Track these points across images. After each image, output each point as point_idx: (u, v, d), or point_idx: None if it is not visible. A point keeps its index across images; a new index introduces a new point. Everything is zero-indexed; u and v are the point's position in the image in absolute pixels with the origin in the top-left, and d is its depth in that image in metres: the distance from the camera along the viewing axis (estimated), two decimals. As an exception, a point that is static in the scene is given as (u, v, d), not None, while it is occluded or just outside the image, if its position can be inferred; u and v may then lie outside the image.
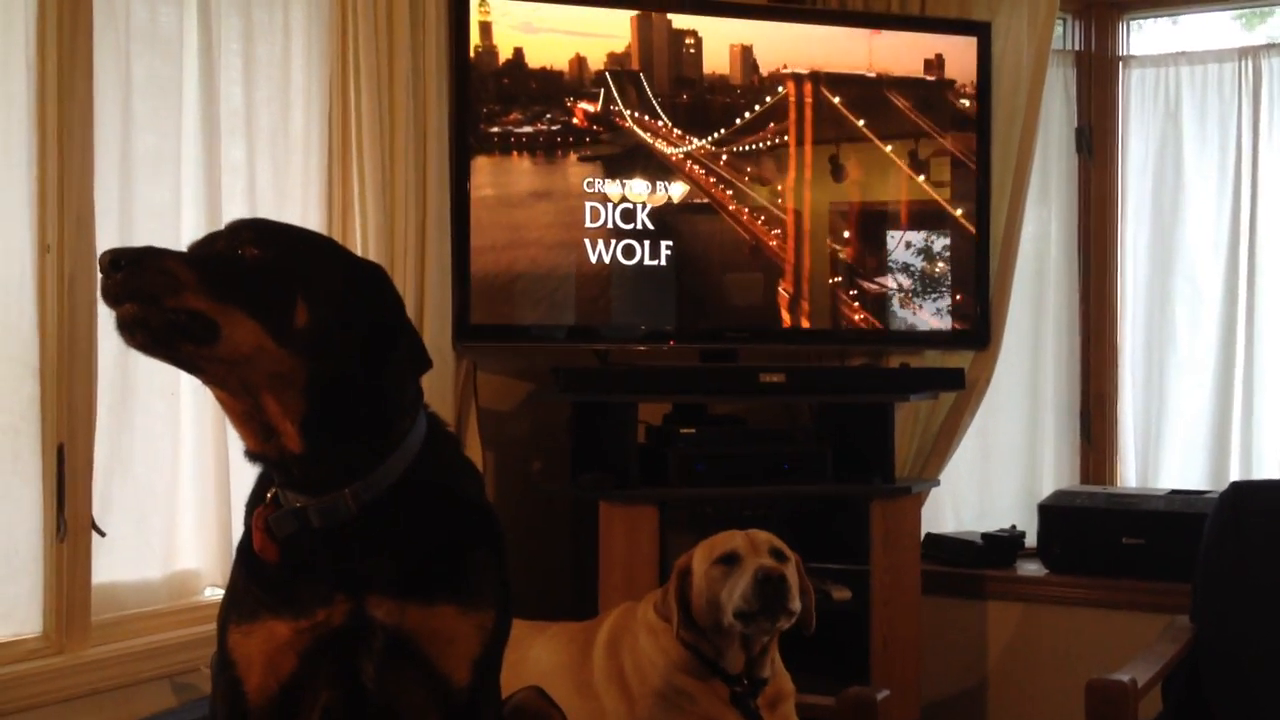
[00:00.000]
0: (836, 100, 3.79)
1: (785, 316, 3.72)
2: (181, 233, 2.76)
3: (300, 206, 3.04)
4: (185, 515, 2.80)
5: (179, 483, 2.79)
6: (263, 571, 1.62)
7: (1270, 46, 3.99)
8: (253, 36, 2.95)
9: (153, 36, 2.73)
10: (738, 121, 3.75)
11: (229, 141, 2.89)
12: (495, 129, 3.44)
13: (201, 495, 2.81)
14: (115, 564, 2.66)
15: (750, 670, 2.53)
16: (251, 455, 1.63)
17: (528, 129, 3.51)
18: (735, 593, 2.47)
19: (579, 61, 3.58)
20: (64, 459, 2.49)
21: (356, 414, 1.61)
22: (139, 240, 2.66)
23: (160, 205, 2.73)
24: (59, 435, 2.48)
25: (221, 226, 2.73)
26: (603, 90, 3.59)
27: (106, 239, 2.57)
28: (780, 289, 3.70)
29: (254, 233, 1.60)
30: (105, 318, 2.48)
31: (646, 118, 3.62)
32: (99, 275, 1.50)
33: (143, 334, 1.49)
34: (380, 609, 1.60)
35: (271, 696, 1.60)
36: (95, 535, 2.57)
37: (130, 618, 2.68)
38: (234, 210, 2.89)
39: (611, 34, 3.60)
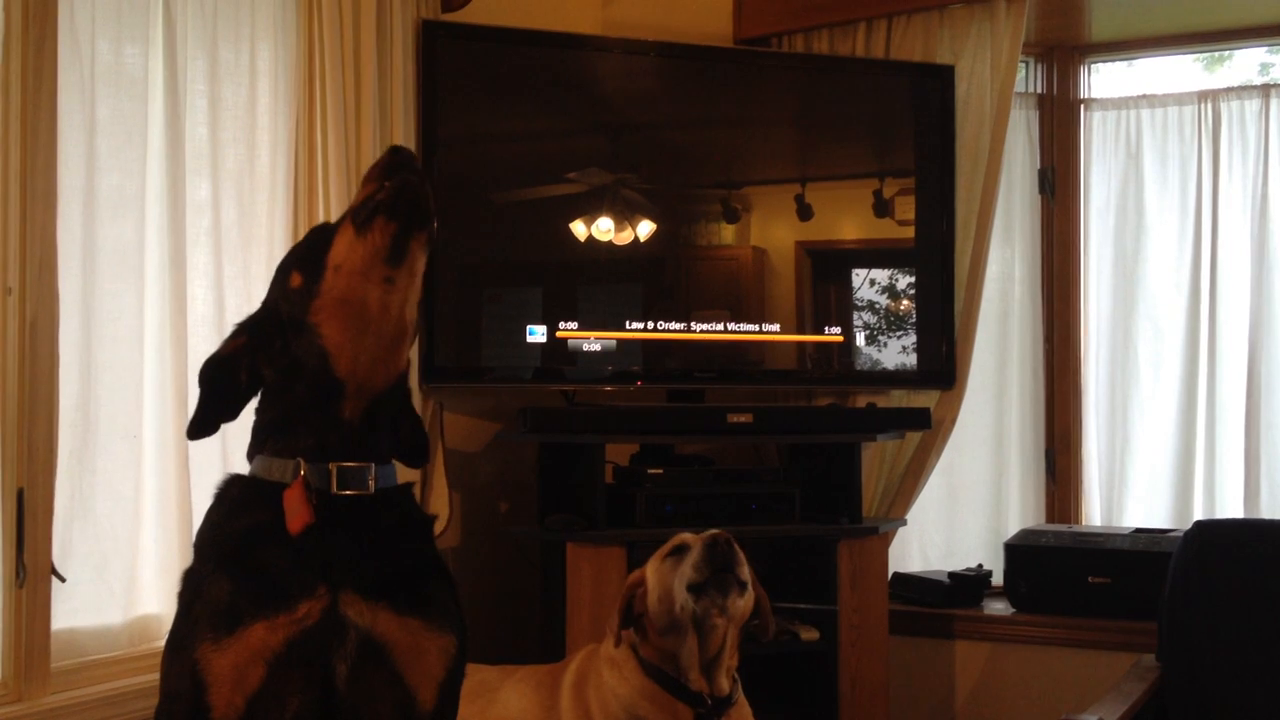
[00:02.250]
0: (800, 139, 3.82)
1: (753, 356, 3.73)
2: (145, 273, 2.74)
3: (266, 246, 3.03)
4: (147, 560, 2.77)
5: (140, 527, 2.75)
6: (253, 568, 1.64)
7: (1229, 90, 4.05)
8: (219, 77, 2.94)
9: (118, 76, 2.72)
10: (704, 162, 3.78)
11: (194, 181, 2.88)
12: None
13: (163, 540, 2.77)
14: (75, 610, 2.62)
15: (711, 681, 2.53)
16: (310, 426, 1.69)
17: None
18: (686, 567, 2.51)
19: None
20: (23, 503, 2.45)
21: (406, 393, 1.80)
22: (101, 282, 2.64)
23: (124, 245, 2.71)
24: (19, 479, 2.45)
25: (186, 267, 2.77)
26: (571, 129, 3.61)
27: (69, 280, 2.55)
28: (747, 328, 3.70)
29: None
30: (67, 360, 2.49)
31: (616, 158, 3.63)
32: (385, 156, 1.73)
33: (423, 205, 1.69)
34: (353, 608, 1.64)
35: (239, 713, 1.60)
36: (55, 580, 2.53)
37: (90, 664, 2.64)
38: (199, 251, 2.88)
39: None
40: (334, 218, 3.01)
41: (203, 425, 1.80)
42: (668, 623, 2.53)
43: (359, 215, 1.69)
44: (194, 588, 1.69)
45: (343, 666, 1.62)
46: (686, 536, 2.61)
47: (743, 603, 2.55)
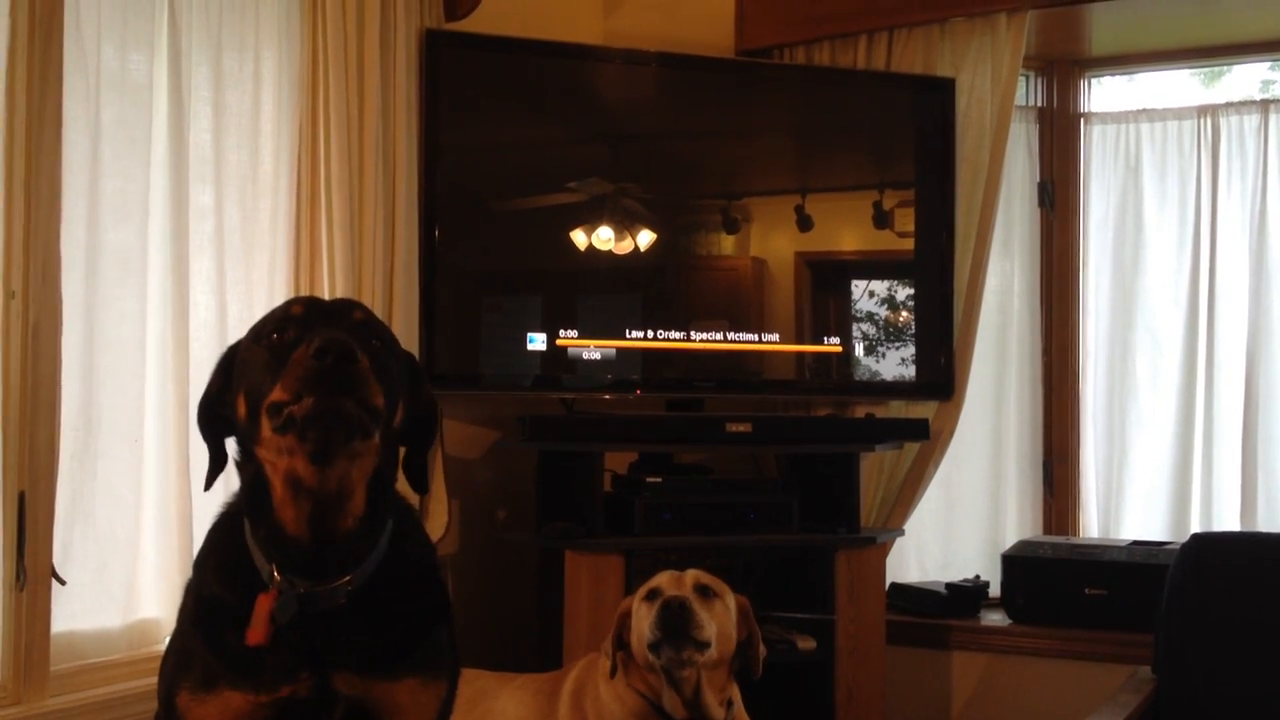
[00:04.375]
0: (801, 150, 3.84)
1: (752, 366, 3.74)
2: (148, 278, 2.75)
3: (269, 253, 3.04)
4: (146, 564, 2.77)
5: (141, 531, 2.76)
6: (223, 644, 1.60)
7: (1228, 105, 4.07)
8: (223, 84, 2.96)
9: (122, 83, 2.73)
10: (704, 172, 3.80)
11: (197, 187, 2.89)
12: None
13: (163, 544, 2.78)
14: (75, 613, 2.63)
15: (695, 712, 2.54)
16: (271, 539, 1.60)
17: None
18: (644, 624, 2.54)
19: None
20: (25, 506, 2.46)
21: (382, 502, 1.64)
22: (104, 286, 2.65)
23: (127, 250, 2.72)
24: (20, 483, 2.46)
25: (188, 272, 2.78)
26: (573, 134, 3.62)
27: (72, 285, 2.56)
28: (747, 338, 3.71)
29: (372, 324, 1.63)
30: (69, 364, 2.50)
31: (617, 168, 3.65)
32: (311, 360, 1.49)
33: (345, 431, 1.51)
34: (345, 684, 1.60)
35: None
36: (55, 584, 2.53)
37: (90, 667, 2.65)
38: (201, 256, 2.89)
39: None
40: (335, 225, 3.06)
41: (213, 471, 1.73)
42: (645, 662, 2.57)
43: (273, 417, 1.52)
44: (184, 614, 1.68)
45: None
46: (663, 579, 2.63)
47: (705, 657, 2.55)
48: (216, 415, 1.69)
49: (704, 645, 2.53)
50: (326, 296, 2.87)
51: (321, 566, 1.59)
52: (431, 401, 1.76)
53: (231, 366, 1.67)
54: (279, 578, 1.59)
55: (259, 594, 1.59)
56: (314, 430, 1.50)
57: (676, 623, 2.51)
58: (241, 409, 1.61)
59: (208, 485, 1.74)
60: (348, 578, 1.60)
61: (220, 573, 1.65)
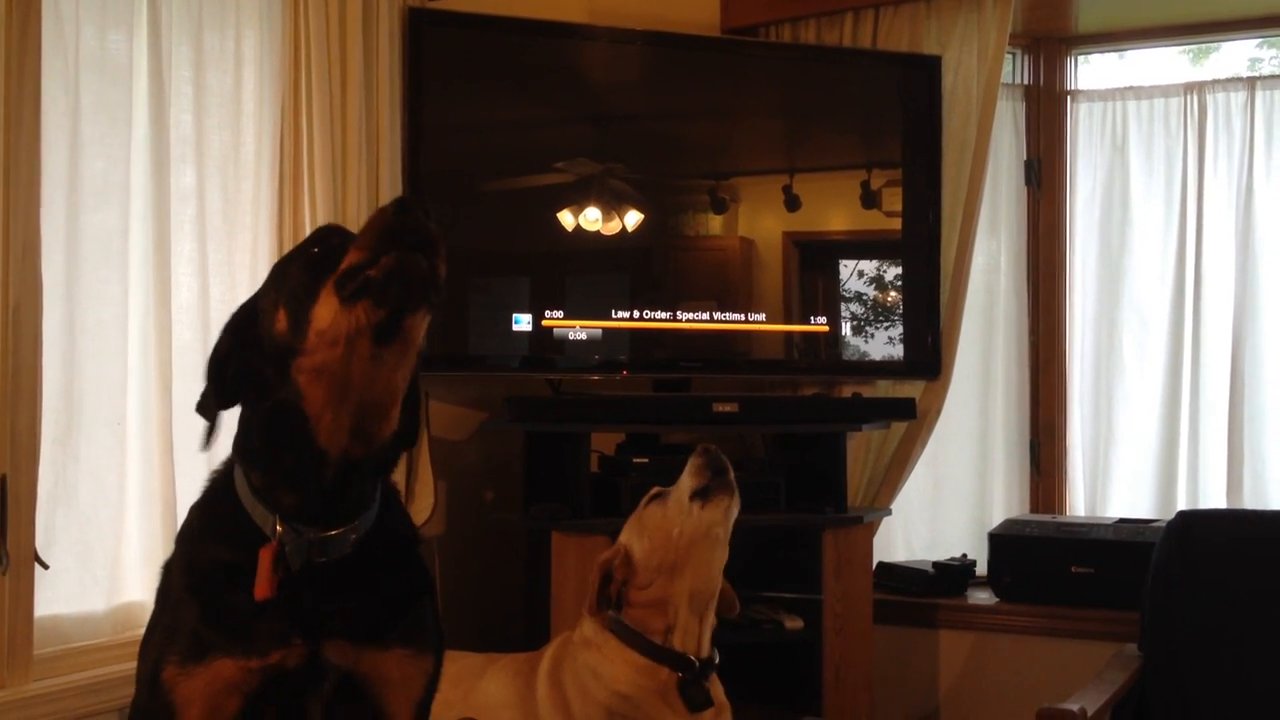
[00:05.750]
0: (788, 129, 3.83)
1: (739, 346, 3.73)
2: (129, 260, 2.73)
3: (251, 233, 3.02)
4: (130, 547, 2.76)
5: (124, 514, 2.75)
6: (222, 610, 1.59)
7: (1215, 82, 4.06)
8: (204, 63, 2.94)
9: (102, 62, 2.70)
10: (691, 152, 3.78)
11: (179, 168, 2.87)
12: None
13: (147, 527, 2.77)
14: (59, 597, 2.62)
15: (699, 634, 2.58)
16: (294, 470, 1.59)
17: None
18: (682, 484, 2.60)
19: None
20: (6, 490, 2.44)
21: (399, 443, 1.65)
22: (85, 269, 2.64)
23: (108, 232, 2.70)
24: (1, 466, 2.44)
25: (170, 254, 2.76)
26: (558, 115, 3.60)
27: (52, 267, 2.54)
28: (733, 318, 3.70)
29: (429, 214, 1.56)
30: (50, 347, 2.49)
31: (603, 148, 3.63)
32: (393, 216, 1.49)
33: (422, 292, 1.50)
34: (337, 653, 1.60)
35: None
36: (38, 568, 2.52)
37: (74, 651, 2.64)
38: (183, 238, 2.87)
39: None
40: (319, 206, 3.03)
41: (209, 431, 1.70)
42: (660, 561, 2.57)
43: (344, 287, 1.51)
44: (166, 593, 1.67)
45: (316, 707, 1.60)
46: (658, 487, 2.69)
47: (736, 510, 2.63)
48: (225, 375, 1.66)
49: (736, 493, 2.63)
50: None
51: (334, 506, 1.59)
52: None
53: (246, 318, 1.65)
54: (282, 528, 1.58)
55: (260, 549, 1.58)
56: (394, 290, 1.47)
57: (721, 462, 2.60)
58: (281, 323, 1.57)
59: (207, 444, 1.69)
60: (354, 524, 1.60)
61: (219, 535, 1.64)
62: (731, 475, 2.63)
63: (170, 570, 1.69)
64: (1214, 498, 3.97)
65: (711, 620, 2.64)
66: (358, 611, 1.62)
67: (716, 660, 2.63)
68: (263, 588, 1.56)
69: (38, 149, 2.50)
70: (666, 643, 2.56)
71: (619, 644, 2.58)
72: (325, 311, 1.52)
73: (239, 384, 1.64)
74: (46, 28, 2.53)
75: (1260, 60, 4.23)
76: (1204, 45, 4.28)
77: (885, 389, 3.90)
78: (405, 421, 1.68)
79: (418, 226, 1.49)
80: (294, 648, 1.58)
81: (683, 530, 2.56)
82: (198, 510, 1.71)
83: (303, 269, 1.58)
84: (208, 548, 1.65)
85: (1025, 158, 4.25)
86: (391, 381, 1.57)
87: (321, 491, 1.59)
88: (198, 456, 1.78)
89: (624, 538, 2.67)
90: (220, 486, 1.69)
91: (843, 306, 3.83)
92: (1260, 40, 4.22)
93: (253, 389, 1.62)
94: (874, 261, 3.87)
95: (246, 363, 1.63)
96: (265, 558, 1.57)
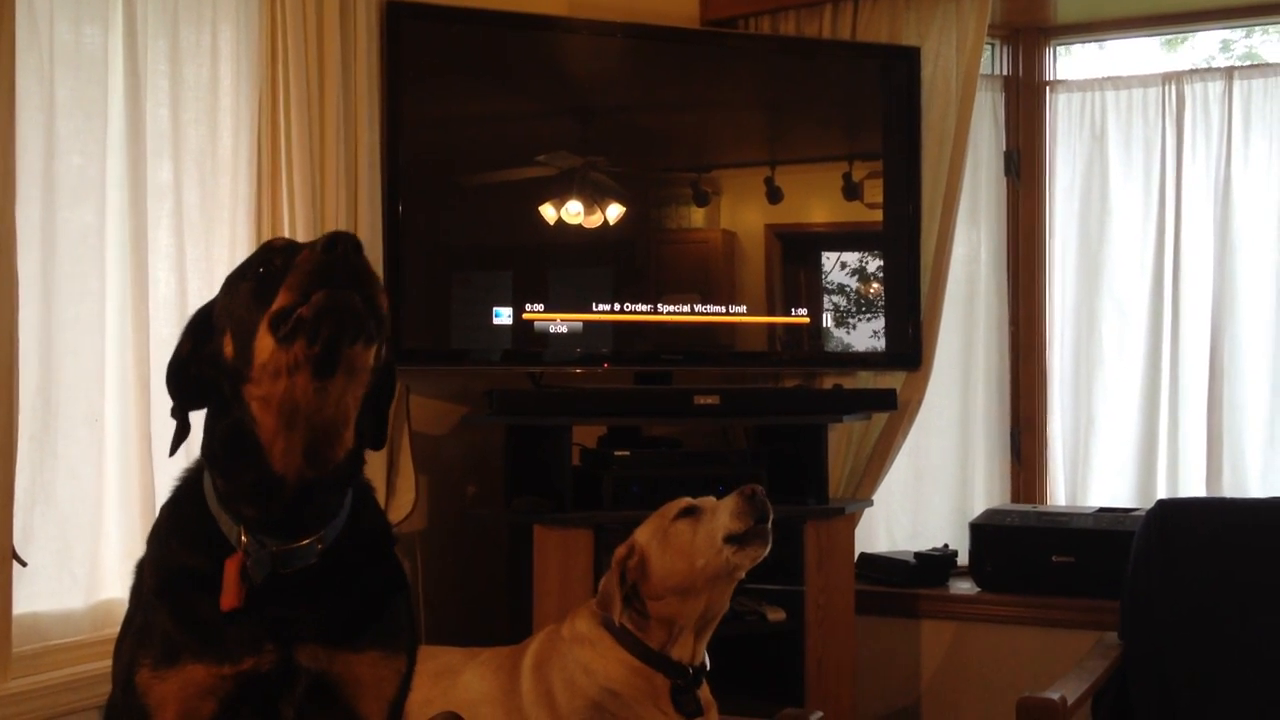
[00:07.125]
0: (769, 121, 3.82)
1: (721, 339, 3.73)
2: (106, 256, 2.72)
3: (228, 228, 3.01)
4: (109, 544, 2.75)
5: (103, 511, 2.74)
6: (191, 616, 1.58)
7: (1193, 71, 4.07)
8: (180, 58, 2.92)
9: (77, 57, 2.69)
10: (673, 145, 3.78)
11: (155, 163, 2.86)
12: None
13: (126, 524, 2.76)
14: (37, 594, 2.61)
15: (696, 648, 2.56)
16: (251, 489, 1.58)
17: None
18: (720, 521, 2.53)
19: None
20: (-16, 488, 2.43)
21: (359, 451, 1.64)
22: (61, 265, 2.63)
23: (84, 228, 2.69)
24: (-22, 464, 2.43)
25: (147, 250, 2.75)
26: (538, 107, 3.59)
27: (28, 263, 2.52)
28: (715, 310, 3.70)
29: (359, 246, 1.55)
30: (27, 344, 2.47)
31: (584, 141, 3.62)
32: (321, 254, 1.48)
33: (354, 328, 1.49)
34: (309, 656, 1.59)
35: None
36: (16, 565, 2.51)
37: (53, 649, 2.63)
38: (161, 233, 2.86)
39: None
40: (297, 200, 3.02)
41: (178, 437, 1.71)
42: (678, 583, 2.53)
43: (278, 326, 1.49)
44: (139, 592, 1.66)
45: (289, 710, 1.59)
46: (689, 500, 2.61)
47: (764, 556, 2.58)
48: (187, 377, 1.66)
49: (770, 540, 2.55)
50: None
51: (297, 518, 1.58)
52: (392, 352, 1.71)
53: (204, 323, 1.65)
54: (246, 539, 1.58)
55: (225, 559, 1.58)
56: (326, 326, 1.47)
57: (764, 508, 2.52)
58: (229, 348, 1.57)
59: (173, 451, 1.71)
60: (320, 534, 1.59)
61: (185, 540, 1.63)
62: (770, 523, 2.55)
63: (143, 569, 1.69)
64: (1193, 487, 3.99)
65: (709, 634, 2.63)
66: (330, 615, 1.61)
67: (708, 667, 2.62)
68: (229, 599, 1.56)
69: (12, 145, 2.48)
70: (664, 650, 2.55)
71: (614, 643, 2.56)
72: (264, 347, 1.52)
73: (201, 389, 1.64)
74: (21, 22, 2.51)
75: (1233, 41, 4.24)
76: (1180, 34, 4.29)
77: (866, 380, 3.91)
78: (371, 428, 1.68)
79: (348, 263, 1.48)
80: (266, 653, 1.57)
81: (708, 564, 2.52)
82: (167, 510, 1.70)
83: (248, 293, 1.57)
84: (175, 552, 1.64)
85: (1005, 148, 4.26)
86: (341, 406, 1.56)
87: (283, 507, 1.59)
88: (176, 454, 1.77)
89: (641, 538, 2.60)
90: (190, 486, 1.68)
91: (824, 298, 3.83)
92: (1236, 28, 4.23)
93: (213, 398, 1.62)
94: (855, 253, 3.88)
95: (203, 372, 1.63)
96: (231, 569, 1.57)
